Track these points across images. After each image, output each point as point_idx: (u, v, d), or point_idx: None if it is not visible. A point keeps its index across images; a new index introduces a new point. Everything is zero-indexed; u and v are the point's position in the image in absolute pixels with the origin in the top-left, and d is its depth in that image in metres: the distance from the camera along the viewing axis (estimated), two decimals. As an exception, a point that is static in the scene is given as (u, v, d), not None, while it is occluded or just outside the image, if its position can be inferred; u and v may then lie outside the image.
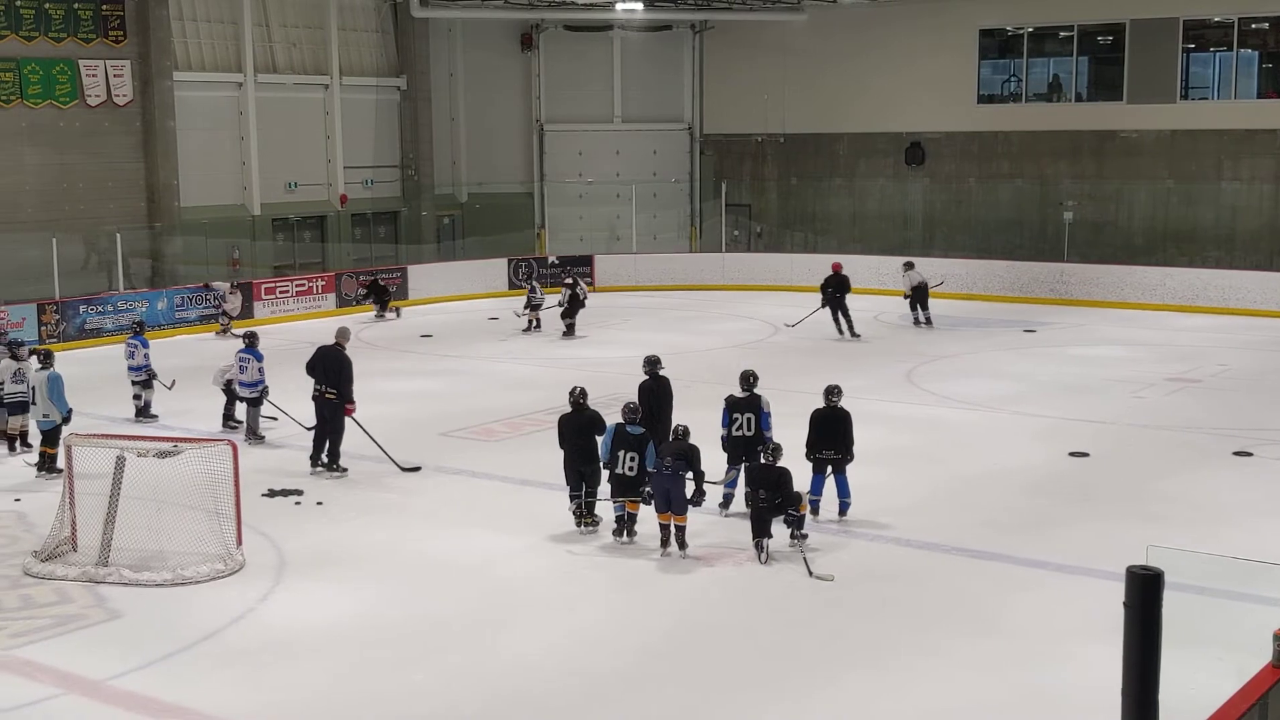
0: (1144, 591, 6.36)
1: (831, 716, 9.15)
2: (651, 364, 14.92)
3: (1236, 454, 16.02)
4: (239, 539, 12.21)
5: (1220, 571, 10.32)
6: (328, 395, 15.51)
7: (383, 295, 29.17)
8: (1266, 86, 29.98)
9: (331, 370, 15.62)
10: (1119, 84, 31.16)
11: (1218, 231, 30.07)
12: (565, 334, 25.63)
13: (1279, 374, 21.57)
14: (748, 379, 13.80)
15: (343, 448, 15.56)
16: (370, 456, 15.69)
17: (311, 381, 15.74)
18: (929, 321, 26.20)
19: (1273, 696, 7.69)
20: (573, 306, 25.77)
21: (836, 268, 25.69)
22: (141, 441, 12.94)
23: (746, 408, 13.54)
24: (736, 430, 13.43)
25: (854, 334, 24.83)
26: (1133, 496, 14.36)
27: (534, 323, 26.57)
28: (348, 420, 15.56)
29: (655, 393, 14.46)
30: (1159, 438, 17.11)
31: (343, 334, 16.15)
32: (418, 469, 15.51)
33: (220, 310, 27.25)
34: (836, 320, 25.03)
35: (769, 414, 13.52)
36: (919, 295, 26.29)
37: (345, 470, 15.46)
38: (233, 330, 25.58)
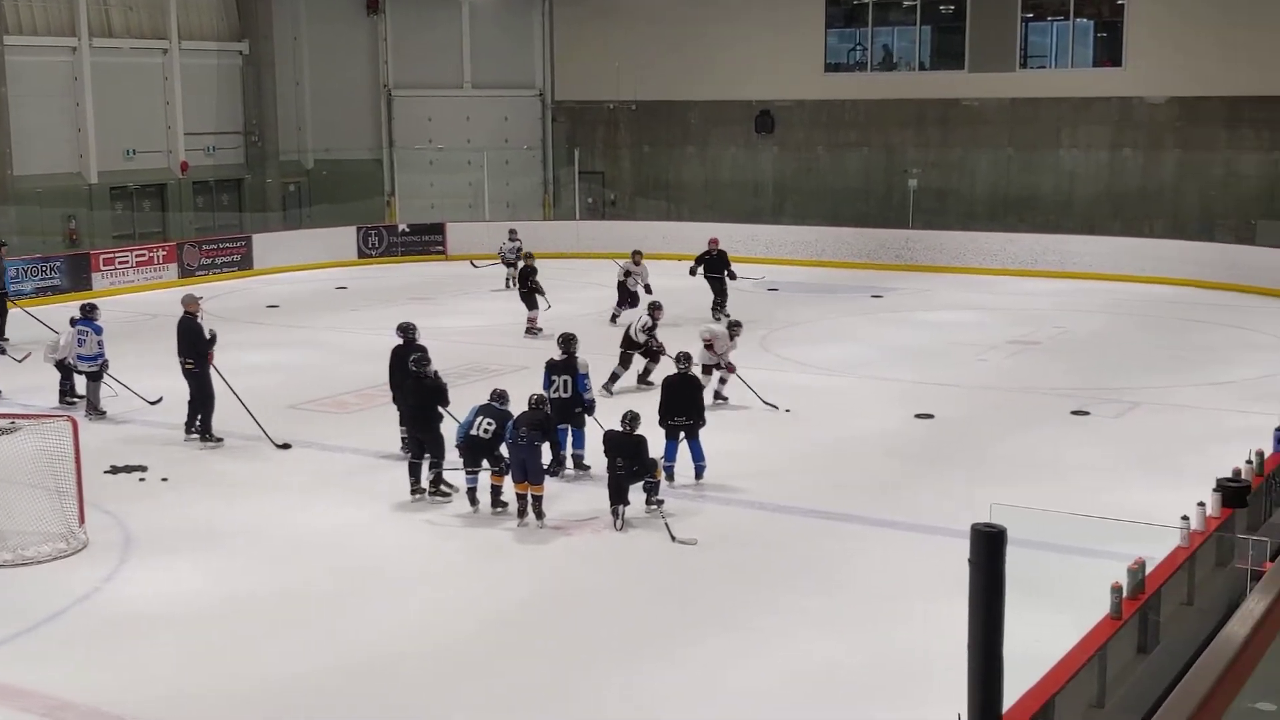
0: (988, 548, 6.53)
1: (689, 679, 9.25)
2: (404, 330, 14.85)
3: (1075, 413, 16.56)
4: (81, 517, 11.88)
5: (1060, 527, 10.65)
6: (186, 365, 15.35)
7: None
8: (1102, 56, 30.87)
9: (185, 340, 15.43)
10: (961, 53, 31.80)
11: (1056, 198, 30.93)
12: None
13: (1114, 335, 22.35)
14: (567, 342, 14.16)
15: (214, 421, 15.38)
16: (224, 430, 15.38)
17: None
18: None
19: (1111, 646, 7.98)
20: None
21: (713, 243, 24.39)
22: (-25, 419, 12.50)
23: (564, 370, 13.92)
24: (554, 392, 13.71)
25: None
26: (977, 456, 14.76)
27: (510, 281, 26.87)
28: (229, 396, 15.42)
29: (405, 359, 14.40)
30: (1002, 399, 17.59)
31: (188, 300, 15.80)
32: (288, 446, 15.20)
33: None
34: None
35: (585, 375, 13.92)
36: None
37: (221, 440, 15.26)
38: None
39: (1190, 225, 29.30)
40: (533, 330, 22.00)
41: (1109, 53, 30.68)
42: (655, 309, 18.16)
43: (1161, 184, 29.84)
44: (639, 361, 17.80)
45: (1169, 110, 29.52)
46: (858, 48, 33.71)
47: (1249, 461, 11.11)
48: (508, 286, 27.19)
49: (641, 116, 35.54)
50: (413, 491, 13.15)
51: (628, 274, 23.34)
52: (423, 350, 14.15)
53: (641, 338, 17.67)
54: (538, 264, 23.34)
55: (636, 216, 35.04)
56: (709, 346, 16.87)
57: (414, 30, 35.83)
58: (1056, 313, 24.34)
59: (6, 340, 20.74)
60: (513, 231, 28.19)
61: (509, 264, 27.34)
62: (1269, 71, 28.10)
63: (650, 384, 17.34)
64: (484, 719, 8.84)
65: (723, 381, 17.02)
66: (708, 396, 16.70)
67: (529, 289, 22.51)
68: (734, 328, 17.18)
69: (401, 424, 14.14)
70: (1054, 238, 29.87)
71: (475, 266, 28.04)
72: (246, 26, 33.86)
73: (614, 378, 17.44)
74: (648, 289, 22.79)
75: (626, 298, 23.13)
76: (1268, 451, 11.62)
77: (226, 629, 10.04)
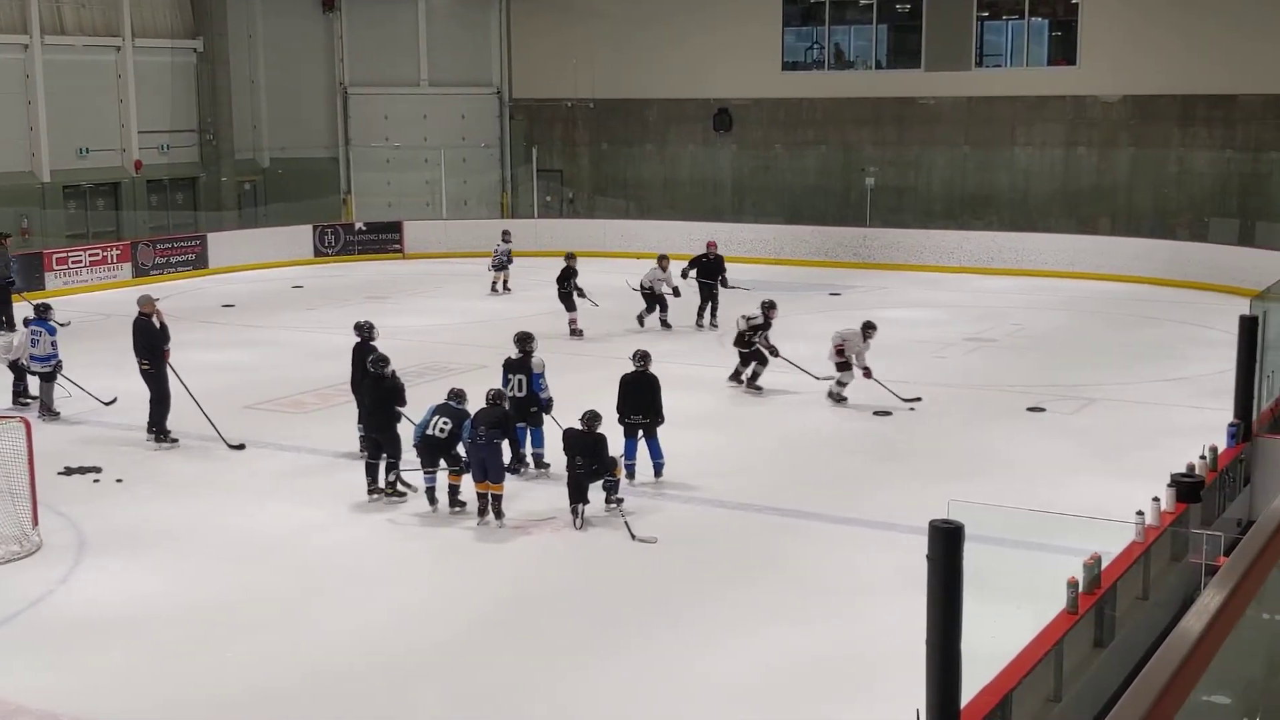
0: (946, 544, 6.58)
1: (650, 677, 9.26)
2: (361, 329, 14.85)
3: (1030, 410, 16.67)
4: (35, 519, 11.74)
5: (1017, 523, 10.73)
6: (142, 366, 15.25)
7: None
8: (1056, 54, 31.11)
9: (139, 341, 15.32)
10: (917, 52, 31.96)
11: (1012, 196, 31.14)
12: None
13: (1070, 332, 22.51)
14: (522, 341, 14.09)
15: (170, 422, 15.25)
16: (179, 431, 15.24)
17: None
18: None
19: (1068, 641, 8.05)
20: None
21: (711, 246, 23.45)
22: (-74, 420, 12.33)
23: (519, 369, 13.87)
24: (510, 391, 13.63)
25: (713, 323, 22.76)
26: (935, 453, 14.83)
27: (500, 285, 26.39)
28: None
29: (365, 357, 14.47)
30: (960, 396, 17.68)
31: (144, 301, 15.67)
32: (242, 447, 15.08)
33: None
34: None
35: (541, 375, 13.85)
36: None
37: (176, 441, 15.15)
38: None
39: (1144, 222, 29.58)
40: (576, 332, 21.57)
41: (1063, 51, 30.91)
42: (770, 309, 18.02)
43: (1115, 182, 30.11)
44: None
45: (1123, 108, 29.78)
46: (815, 46, 33.79)
47: (1203, 457, 11.24)
48: (494, 290, 26.58)
49: (599, 114, 35.51)
50: (370, 491, 13.10)
51: (653, 283, 22.55)
52: (374, 350, 14.10)
53: (743, 325, 17.75)
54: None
55: (595, 215, 35.02)
56: (840, 350, 16.94)
57: (370, 27, 35.64)
58: (1013, 310, 24.49)
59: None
60: (506, 233, 27.45)
61: (499, 267, 26.61)
62: (1221, 70, 28.40)
63: (759, 389, 17.65)
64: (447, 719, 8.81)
65: (841, 384, 17.05)
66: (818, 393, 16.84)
67: (568, 290, 22.10)
68: (868, 329, 17.11)
69: (360, 422, 14.08)
70: (1010, 235, 30.06)
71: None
72: (201, 24, 33.59)
73: (754, 375, 17.82)
74: (676, 292, 22.49)
75: (654, 302, 22.52)
76: (1221, 447, 11.76)
77: (183, 631, 9.95)
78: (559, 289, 22.26)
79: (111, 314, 23.50)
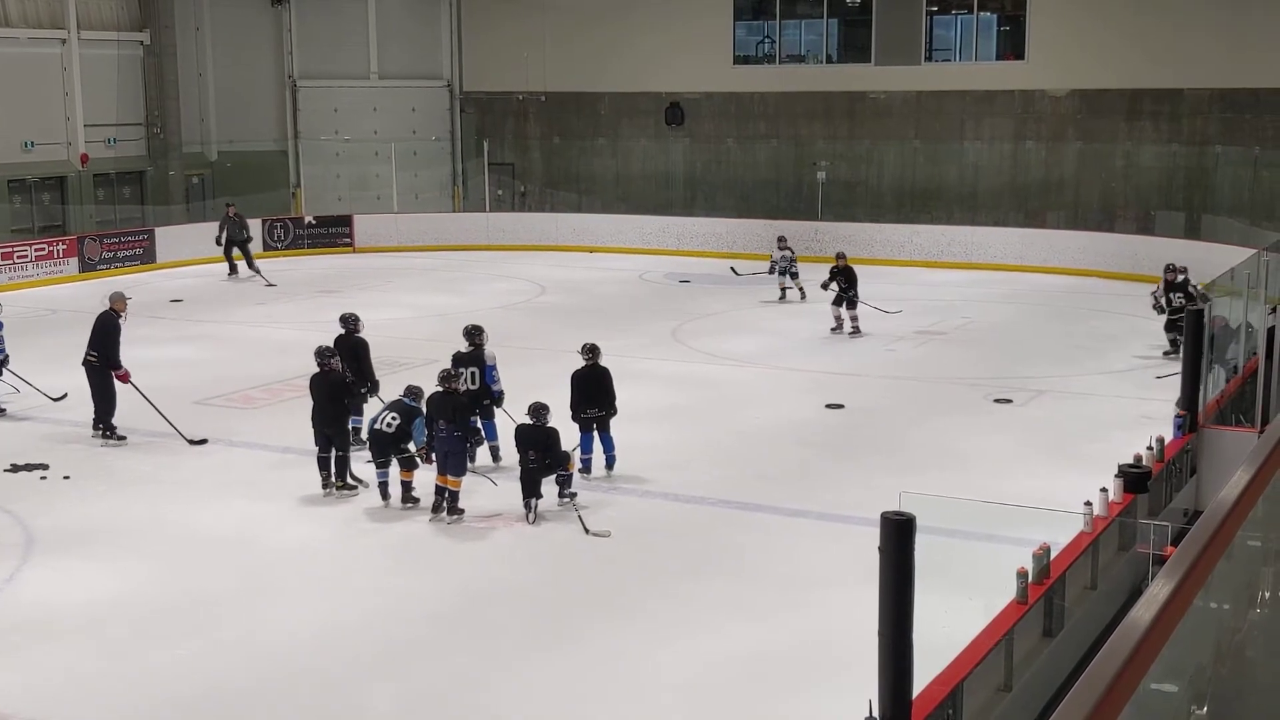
0: (897, 536, 6.64)
1: (606, 671, 9.27)
2: (348, 322, 15.09)
3: (998, 401, 16.80)
4: (-19, 518, 11.62)
5: (968, 515, 10.81)
6: (89, 358, 15.12)
7: None
8: (1005, 49, 31.36)
9: (97, 334, 15.22)
10: (867, 46, 32.10)
11: (961, 190, 31.34)
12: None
13: (1019, 325, 22.71)
14: (472, 334, 14.05)
15: (116, 418, 15.10)
16: (130, 425, 15.10)
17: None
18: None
19: (1018, 630, 8.13)
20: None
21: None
22: None
23: (470, 362, 13.81)
24: (462, 385, 13.51)
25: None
26: (887, 445, 14.93)
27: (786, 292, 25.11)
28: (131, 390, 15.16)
29: (354, 350, 14.68)
30: (910, 388, 17.80)
31: (115, 298, 15.58)
32: (204, 442, 14.96)
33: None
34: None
35: (493, 367, 13.84)
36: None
37: (124, 438, 14.99)
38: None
39: (1091, 216, 29.89)
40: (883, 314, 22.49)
41: (1012, 46, 31.16)
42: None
43: (1063, 175, 30.38)
44: None
45: (1070, 103, 30.04)
46: (765, 40, 33.86)
47: (1150, 448, 11.37)
48: (783, 298, 25.17)
49: (551, 107, 35.42)
50: (323, 486, 13.04)
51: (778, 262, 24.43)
52: (330, 351, 14.04)
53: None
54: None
55: (547, 209, 34.95)
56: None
57: (319, 20, 35.39)
58: (962, 303, 24.67)
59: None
60: (782, 239, 25.82)
61: (782, 272, 25.21)
62: (1167, 64, 28.70)
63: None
64: (402, 717, 8.78)
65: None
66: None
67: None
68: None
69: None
70: (959, 229, 30.27)
71: (737, 273, 26.40)
72: (147, 16, 33.22)
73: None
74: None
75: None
76: (1168, 438, 11.91)
77: (138, 630, 9.86)
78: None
79: (58, 309, 23.26)
